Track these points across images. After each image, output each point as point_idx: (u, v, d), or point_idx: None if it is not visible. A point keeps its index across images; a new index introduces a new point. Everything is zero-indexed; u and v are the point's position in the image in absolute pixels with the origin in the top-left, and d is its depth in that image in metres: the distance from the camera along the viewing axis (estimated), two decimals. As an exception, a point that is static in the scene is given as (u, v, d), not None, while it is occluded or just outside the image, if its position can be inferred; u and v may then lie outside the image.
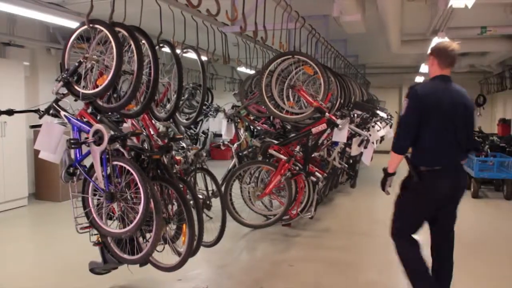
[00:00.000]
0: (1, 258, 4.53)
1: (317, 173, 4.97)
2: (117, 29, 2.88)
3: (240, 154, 5.64)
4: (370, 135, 5.34)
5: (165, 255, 3.24)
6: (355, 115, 5.81)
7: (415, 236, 3.09)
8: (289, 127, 5.71)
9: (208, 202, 4.24)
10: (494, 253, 4.78)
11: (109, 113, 3.35)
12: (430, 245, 3.20)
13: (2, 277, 4.03)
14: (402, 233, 3.10)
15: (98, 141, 2.81)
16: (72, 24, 5.22)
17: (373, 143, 5.32)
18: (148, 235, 3.15)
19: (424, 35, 7.67)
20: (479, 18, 6.95)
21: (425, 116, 2.90)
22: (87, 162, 3.04)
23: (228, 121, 5.81)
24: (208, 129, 10.49)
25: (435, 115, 2.90)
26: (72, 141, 2.90)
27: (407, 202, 3.10)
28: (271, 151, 4.86)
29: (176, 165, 3.62)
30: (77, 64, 2.97)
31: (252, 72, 6.91)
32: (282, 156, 4.79)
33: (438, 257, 3.15)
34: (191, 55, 3.94)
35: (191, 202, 3.31)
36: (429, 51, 3.13)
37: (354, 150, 5.24)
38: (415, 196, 3.05)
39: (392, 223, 3.17)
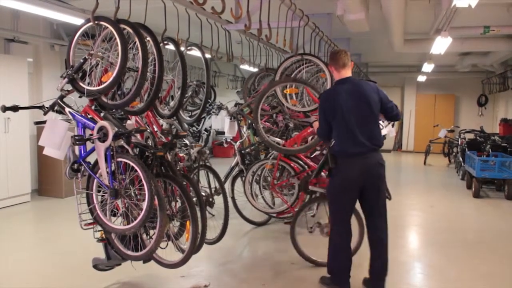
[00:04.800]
0: (4, 253, 4.55)
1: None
2: (122, 26, 2.88)
3: (243, 151, 5.65)
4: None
5: (168, 252, 3.25)
6: None
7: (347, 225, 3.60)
8: (291, 125, 5.72)
9: (210, 199, 4.26)
10: (495, 253, 4.79)
11: (113, 110, 3.36)
12: (364, 223, 3.72)
13: (5, 272, 4.05)
14: (335, 216, 3.62)
15: (103, 137, 2.82)
16: (76, 20, 5.22)
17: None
18: (151, 232, 3.16)
19: (427, 34, 7.66)
20: (482, 18, 6.94)
21: (329, 114, 3.49)
22: (91, 158, 3.06)
23: (231, 119, 5.81)
24: (210, 127, 10.49)
25: (335, 112, 3.45)
26: (76, 138, 2.91)
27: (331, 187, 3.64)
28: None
29: (180, 162, 3.64)
30: (82, 60, 2.97)
31: (255, 70, 6.91)
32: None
33: (373, 229, 3.62)
34: (195, 52, 3.95)
35: (194, 199, 3.32)
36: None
37: None
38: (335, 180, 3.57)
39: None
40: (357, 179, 3.45)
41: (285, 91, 4.73)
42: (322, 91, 3.76)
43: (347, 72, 3.56)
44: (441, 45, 7.10)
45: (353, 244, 3.79)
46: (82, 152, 3.07)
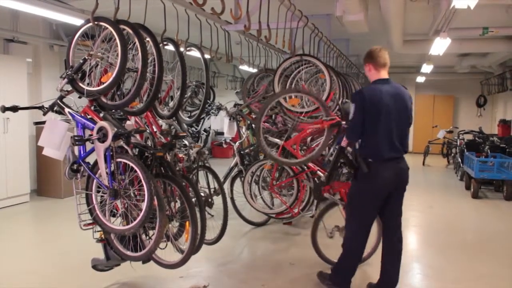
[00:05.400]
0: (3, 254, 4.54)
1: (319, 172, 4.98)
2: (122, 26, 2.89)
3: (242, 152, 5.66)
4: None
5: (168, 252, 3.26)
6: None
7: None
8: (290, 125, 5.73)
9: (210, 200, 4.27)
10: (493, 253, 4.80)
11: (113, 111, 3.36)
12: (382, 229, 3.62)
13: (5, 272, 4.05)
14: (358, 222, 3.50)
15: (102, 138, 2.83)
16: (75, 21, 5.22)
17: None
18: (151, 232, 3.17)
19: (426, 35, 7.67)
20: (481, 19, 6.96)
21: (370, 114, 3.28)
22: (91, 159, 3.06)
23: (230, 119, 5.82)
24: (209, 127, 10.51)
25: (379, 113, 3.27)
26: (76, 138, 2.91)
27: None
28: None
29: (179, 163, 3.64)
30: (81, 61, 2.97)
31: (255, 70, 6.92)
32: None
33: (391, 235, 3.54)
34: (194, 53, 3.96)
35: (194, 199, 3.32)
36: (365, 62, 3.48)
37: None
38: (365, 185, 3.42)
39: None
40: (390, 184, 3.35)
41: (287, 103, 4.69)
42: (361, 90, 3.49)
43: (386, 73, 3.43)
44: (440, 46, 7.11)
45: (367, 250, 3.77)
46: (82, 152, 3.07)
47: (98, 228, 3.21)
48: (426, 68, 11.13)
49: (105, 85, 2.90)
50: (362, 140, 3.39)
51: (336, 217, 4.14)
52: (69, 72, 2.98)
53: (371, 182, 3.35)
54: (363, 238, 3.51)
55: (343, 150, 3.94)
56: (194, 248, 3.19)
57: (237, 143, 5.80)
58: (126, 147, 2.93)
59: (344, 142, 3.87)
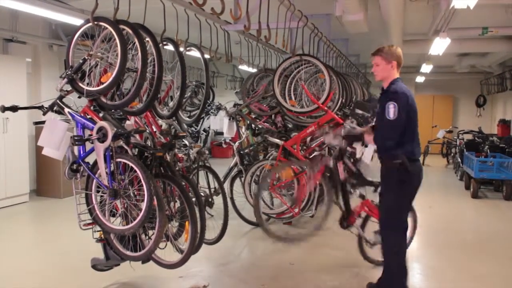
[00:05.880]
0: (3, 254, 4.54)
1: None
2: (122, 26, 2.89)
3: (242, 152, 5.66)
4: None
5: (167, 252, 3.26)
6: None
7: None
8: (290, 125, 5.73)
9: (210, 199, 4.26)
10: (493, 253, 4.80)
11: (112, 111, 3.36)
12: None
13: (5, 273, 4.04)
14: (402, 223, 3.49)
15: (102, 138, 2.82)
16: (75, 21, 5.22)
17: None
18: (150, 232, 3.16)
19: (426, 35, 7.68)
20: (480, 19, 6.96)
21: (410, 115, 3.32)
22: (90, 159, 3.06)
23: (229, 119, 5.82)
24: (209, 127, 10.51)
25: (416, 114, 3.41)
26: (76, 138, 2.91)
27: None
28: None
29: (179, 163, 3.64)
30: (81, 61, 2.97)
31: (254, 70, 6.92)
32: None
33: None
34: (194, 53, 3.96)
35: (193, 199, 3.32)
36: (389, 59, 3.44)
37: (359, 152, 5.22)
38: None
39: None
40: (420, 182, 3.47)
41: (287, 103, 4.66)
42: (400, 89, 3.32)
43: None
44: (439, 46, 7.12)
45: None
46: (81, 152, 3.07)
47: (98, 228, 3.21)
48: (426, 68, 11.14)
49: (104, 85, 2.90)
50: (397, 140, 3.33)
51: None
52: (69, 72, 2.98)
53: (413, 181, 3.39)
54: (406, 237, 3.51)
55: (344, 183, 3.94)
56: (193, 248, 3.18)
57: (236, 143, 5.79)
58: (125, 147, 2.93)
59: (341, 175, 3.88)
